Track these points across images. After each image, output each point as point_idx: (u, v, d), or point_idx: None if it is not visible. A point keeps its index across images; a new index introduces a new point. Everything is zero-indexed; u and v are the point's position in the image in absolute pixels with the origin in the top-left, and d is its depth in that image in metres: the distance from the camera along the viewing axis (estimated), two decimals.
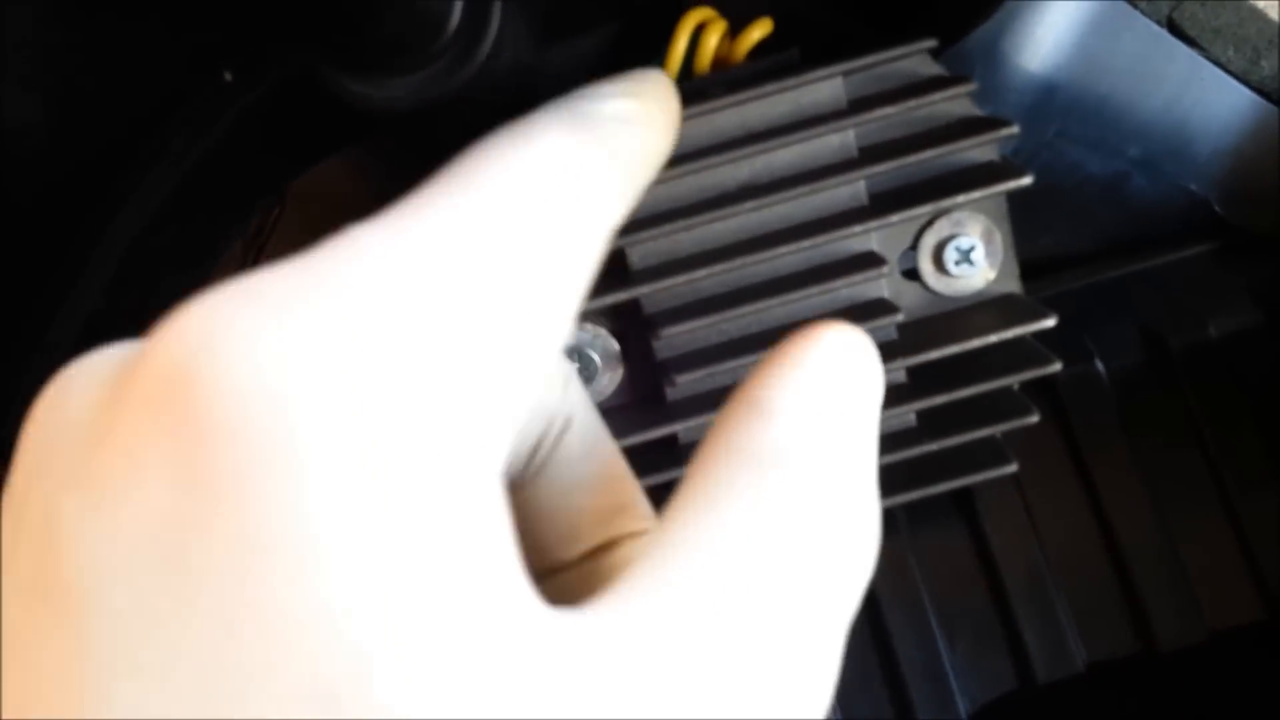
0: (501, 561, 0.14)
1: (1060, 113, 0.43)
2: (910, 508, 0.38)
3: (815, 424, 0.19)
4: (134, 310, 0.30)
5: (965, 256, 0.35)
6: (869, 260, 0.34)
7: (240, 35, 0.26)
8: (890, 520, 0.39)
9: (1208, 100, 0.44)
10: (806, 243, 0.33)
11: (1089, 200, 0.44)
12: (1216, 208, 0.43)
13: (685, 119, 0.33)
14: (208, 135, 0.27)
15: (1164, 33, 0.44)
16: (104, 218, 0.26)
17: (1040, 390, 0.39)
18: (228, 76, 0.26)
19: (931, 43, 0.33)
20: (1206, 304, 0.42)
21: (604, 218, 0.20)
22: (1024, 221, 0.44)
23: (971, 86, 0.33)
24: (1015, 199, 0.36)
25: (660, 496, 0.34)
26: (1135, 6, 0.44)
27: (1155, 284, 0.42)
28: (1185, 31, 0.45)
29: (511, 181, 0.18)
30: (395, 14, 0.24)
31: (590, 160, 0.20)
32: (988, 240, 0.35)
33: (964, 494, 0.39)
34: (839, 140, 0.34)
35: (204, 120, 0.27)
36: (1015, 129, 0.33)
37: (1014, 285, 0.36)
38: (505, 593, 0.14)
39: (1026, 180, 0.33)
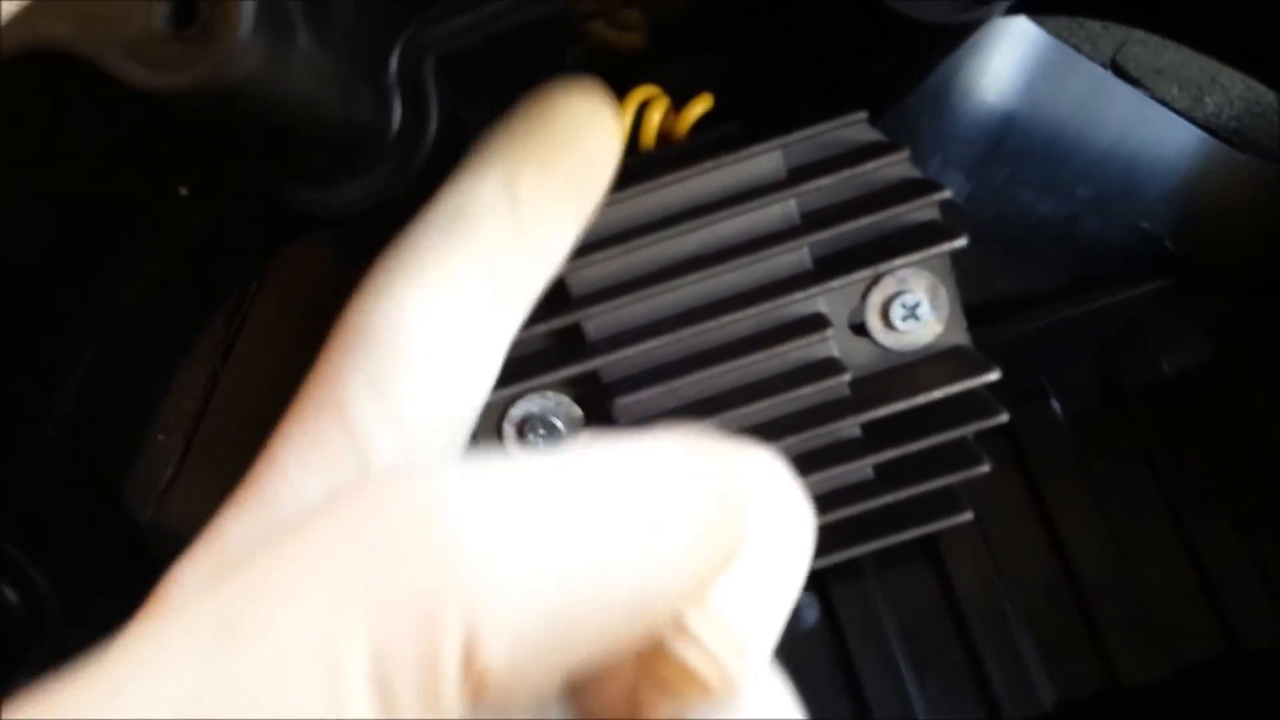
0: None
1: (1009, 158, 0.44)
2: (877, 553, 0.39)
3: None
4: (111, 414, 0.32)
5: (911, 312, 0.36)
6: (816, 323, 0.35)
7: (195, 153, 0.27)
8: (857, 565, 0.40)
9: (1154, 139, 0.45)
10: (754, 309, 0.35)
11: (1042, 243, 0.45)
12: (1168, 244, 0.44)
13: (632, 196, 0.34)
14: (167, 247, 0.28)
15: (1108, 74, 0.45)
16: (70, 329, 0.28)
17: (999, 432, 0.39)
18: (184, 191, 0.28)
19: (862, 115, 0.34)
20: (1160, 341, 0.42)
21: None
22: (979, 265, 0.45)
23: (905, 153, 0.34)
24: (969, 244, 0.36)
25: None
26: (1079, 50, 0.45)
27: (1109, 323, 0.43)
28: (1129, 73, 0.46)
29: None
30: (334, 128, 0.26)
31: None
32: (933, 296, 0.37)
33: (929, 538, 0.40)
34: (781, 210, 0.35)
35: (161, 233, 0.28)
36: (949, 193, 0.34)
37: (961, 337, 0.37)
38: None
39: (962, 242, 0.34)
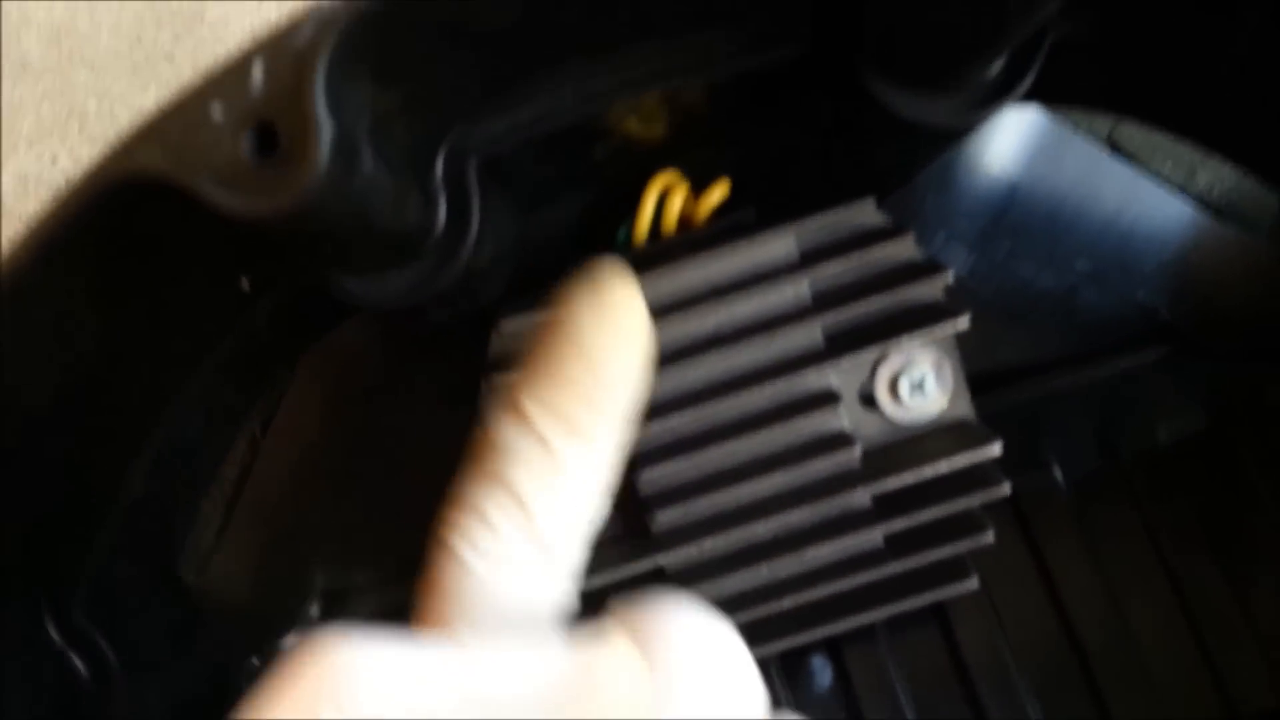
0: None
1: (1011, 232, 0.47)
2: (888, 621, 0.41)
3: None
4: (172, 488, 0.34)
5: (918, 387, 0.38)
6: (827, 398, 0.37)
7: (256, 251, 0.29)
8: (870, 630, 0.42)
9: (1150, 214, 0.47)
10: (769, 385, 0.37)
11: (1043, 313, 0.47)
12: (1164, 315, 0.46)
13: (654, 279, 0.36)
14: (231, 335, 0.31)
15: (1104, 153, 0.48)
16: (141, 415, 0.30)
17: (1003, 499, 0.41)
18: (245, 285, 0.30)
19: (870, 201, 0.36)
20: (1157, 409, 0.44)
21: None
22: (982, 336, 0.46)
23: (910, 237, 0.36)
24: (974, 317, 0.38)
25: None
26: (1076, 128, 0.48)
27: (1108, 391, 0.45)
28: (1124, 150, 0.48)
29: None
30: (384, 231, 0.28)
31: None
32: (938, 371, 0.38)
33: (937, 603, 0.42)
34: (794, 291, 0.37)
35: (227, 323, 0.30)
36: (951, 276, 0.36)
37: (966, 410, 0.39)
38: None
39: (964, 322, 0.36)
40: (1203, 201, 0.48)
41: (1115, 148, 0.49)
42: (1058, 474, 0.44)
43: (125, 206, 0.22)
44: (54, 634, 0.29)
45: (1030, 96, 0.31)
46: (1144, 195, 0.47)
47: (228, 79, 0.21)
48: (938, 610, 0.42)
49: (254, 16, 0.65)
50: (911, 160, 0.37)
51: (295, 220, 0.22)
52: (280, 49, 0.21)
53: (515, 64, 0.27)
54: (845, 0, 0.27)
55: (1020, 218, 0.46)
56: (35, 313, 0.24)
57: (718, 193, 0.38)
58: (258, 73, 0.21)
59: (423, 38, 0.23)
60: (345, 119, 0.22)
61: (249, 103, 0.21)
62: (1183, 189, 0.48)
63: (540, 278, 0.38)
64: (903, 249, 0.37)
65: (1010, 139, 0.46)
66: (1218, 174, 0.49)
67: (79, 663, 0.29)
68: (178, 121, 0.21)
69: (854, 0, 0.27)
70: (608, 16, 0.25)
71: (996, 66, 0.28)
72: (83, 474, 0.29)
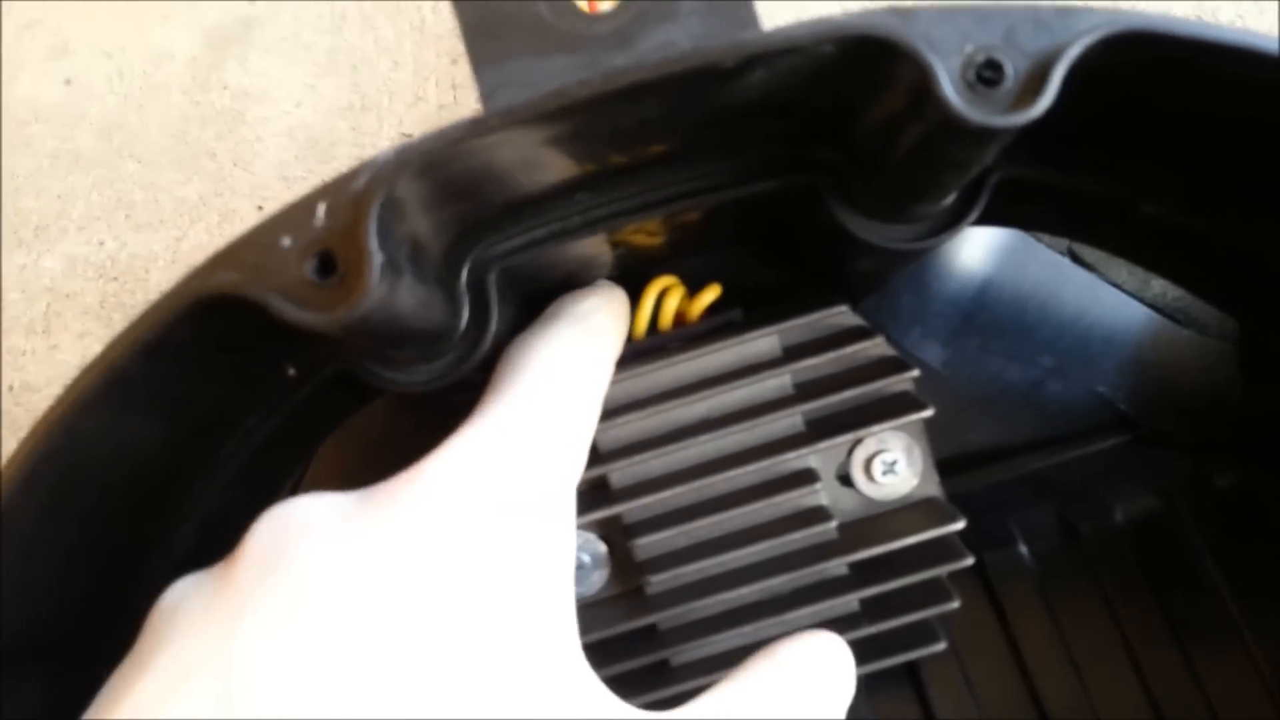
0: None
1: (980, 330, 0.51)
2: (865, 678, 0.44)
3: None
4: (215, 546, 0.38)
5: (890, 468, 0.43)
6: (807, 477, 0.41)
7: (302, 345, 0.34)
8: None
9: (1108, 316, 0.51)
10: (754, 465, 0.41)
11: (1010, 403, 0.51)
12: (1122, 407, 0.50)
13: (652, 369, 0.41)
14: (276, 417, 0.35)
15: (1065, 260, 0.52)
16: (196, 486, 0.35)
17: (973, 571, 0.45)
18: (291, 372, 0.34)
19: (844, 306, 0.41)
20: (1114, 492, 0.48)
21: (603, 370, 0.36)
22: (955, 423, 0.51)
23: (881, 338, 0.41)
24: (946, 405, 0.42)
25: (643, 677, 0.41)
26: (1039, 239, 0.52)
27: (1070, 475, 0.49)
28: (1083, 259, 0.53)
29: (549, 373, 0.33)
30: (416, 332, 0.33)
31: (588, 341, 0.36)
32: (908, 454, 0.43)
33: (912, 665, 0.46)
34: (777, 383, 0.41)
35: (272, 407, 0.35)
36: (917, 372, 0.41)
37: (934, 489, 0.43)
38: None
39: (929, 413, 0.40)
40: (1157, 306, 0.52)
41: (1075, 257, 0.53)
42: (1023, 549, 0.48)
43: (204, 315, 0.27)
44: None
45: (982, 221, 0.36)
46: (1102, 299, 0.51)
47: (295, 215, 0.26)
48: (911, 671, 0.45)
49: (291, 118, 0.70)
50: (884, 270, 0.42)
51: (345, 328, 0.26)
52: (339, 193, 0.26)
53: (533, 196, 0.32)
54: (814, 148, 0.32)
55: (989, 317, 0.51)
56: (125, 399, 0.28)
57: (710, 294, 0.43)
58: (320, 211, 0.26)
59: (457, 184, 0.28)
60: (391, 247, 0.26)
61: (313, 235, 0.26)
62: (1138, 294, 0.52)
63: None
64: (875, 347, 0.41)
65: (979, 247, 0.51)
66: (1170, 282, 0.53)
67: None
68: (253, 248, 0.26)
69: (820, 145, 0.32)
70: (616, 164, 0.30)
71: (946, 201, 0.33)
72: (145, 536, 0.33)
